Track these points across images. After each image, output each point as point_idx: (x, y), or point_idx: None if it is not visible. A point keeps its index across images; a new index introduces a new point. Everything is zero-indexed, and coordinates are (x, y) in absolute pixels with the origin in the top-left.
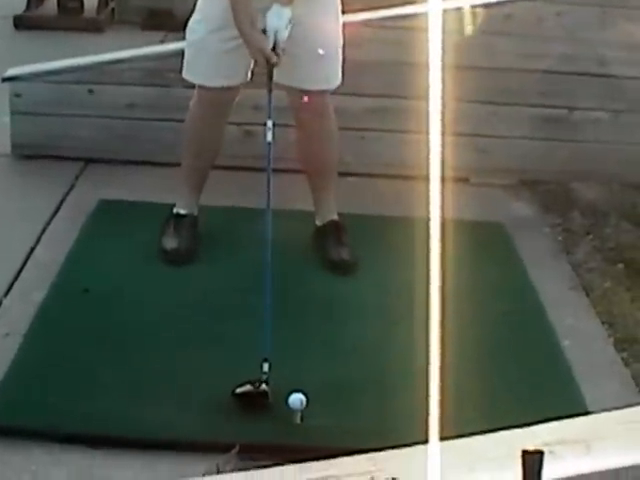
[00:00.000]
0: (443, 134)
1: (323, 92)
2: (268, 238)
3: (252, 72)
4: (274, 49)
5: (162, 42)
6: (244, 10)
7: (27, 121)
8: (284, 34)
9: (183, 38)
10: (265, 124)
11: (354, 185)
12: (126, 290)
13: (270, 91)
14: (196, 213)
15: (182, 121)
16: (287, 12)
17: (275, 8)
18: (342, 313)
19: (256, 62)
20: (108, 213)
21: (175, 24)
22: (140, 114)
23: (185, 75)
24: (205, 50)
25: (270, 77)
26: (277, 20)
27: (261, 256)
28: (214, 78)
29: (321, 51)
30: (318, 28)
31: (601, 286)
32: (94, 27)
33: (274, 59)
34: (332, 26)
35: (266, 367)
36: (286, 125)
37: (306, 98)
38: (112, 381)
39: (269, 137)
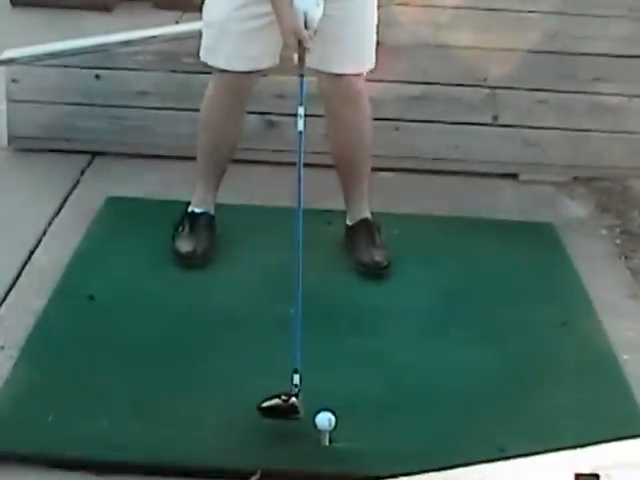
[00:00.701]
0: (488, 125)
1: (356, 76)
2: (300, 240)
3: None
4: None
5: (177, 22)
6: None
7: (25, 110)
8: (317, 13)
9: (201, 18)
10: (295, 113)
11: (388, 181)
12: (136, 297)
13: (302, 76)
14: (213, 212)
15: (199, 110)
16: None
17: None
18: (376, 322)
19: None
20: (116, 212)
21: (192, 2)
22: (153, 103)
23: (204, 58)
24: (227, 30)
25: (302, 60)
26: (306, 0)
27: (286, 259)
28: (238, 61)
29: (354, 30)
30: (351, 5)
31: None
32: (101, 4)
33: (309, 43)
34: (367, 2)
35: (297, 379)
36: (313, 115)
37: (338, 83)
38: (119, 400)
39: (300, 126)
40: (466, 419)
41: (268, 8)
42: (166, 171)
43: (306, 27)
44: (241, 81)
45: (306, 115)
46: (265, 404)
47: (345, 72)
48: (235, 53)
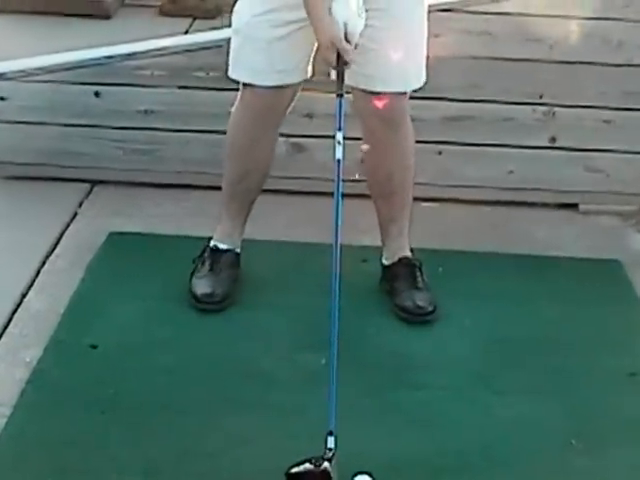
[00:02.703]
0: (545, 149)
1: (400, 95)
2: (336, 282)
3: (313, 68)
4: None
5: (187, 32)
6: None
7: (15, 132)
8: (358, 25)
9: (215, 27)
10: (327, 135)
11: (430, 212)
12: (145, 347)
13: (341, 95)
14: (239, 249)
15: (213, 132)
16: None
17: None
18: (421, 374)
19: (316, 55)
20: (120, 249)
21: (205, 9)
22: (160, 123)
23: (231, 73)
24: (252, 38)
25: (342, 78)
26: (345, 9)
27: (316, 303)
28: (263, 74)
29: (401, 42)
30: (396, 11)
31: None
32: (99, 11)
33: (351, 55)
34: (416, 12)
35: (331, 442)
36: (347, 138)
37: (378, 102)
38: (129, 465)
39: (339, 153)
40: None
41: (295, 15)
42: (175, 202)
43: (346, 39)
44: (269, 98)
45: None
46: (294, 470)
47: (389, 90)
48: (260, 65)
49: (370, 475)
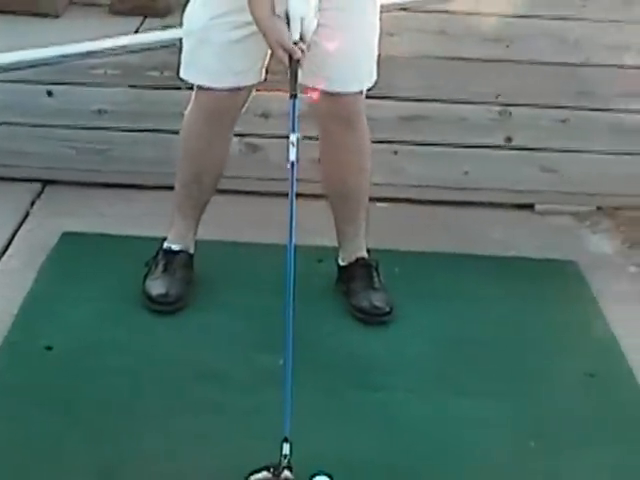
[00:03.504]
0: (500, 148)
1: (356, 95)
2: (290, 283)
3: (267, 70)
4: (298, 42)
5: (137, 31)
6: None
7: None
8: (312, 23)
9: (166, 26)
10: (283, 135)
11: (385, 213)
12: (100, 348)
13: (294, 96)
14: (192, 250)
15: (165, 132)
16: None
17: None
18: (377, 375)
19: (272, 57)
20: (73, 249)
21: (155, 8)
22: (112, 123)
23: (183, 74)
24: (207, 41)
25: (295, 78)
26: (303, 4)
27: (271, 304)
28: (219, 77)
29: (354, 41)
30: (352, 14)
31: None
32: (48, 10)
33: (299, 54)
34: (368, 11)
35: (287, 448)
36: (303, 137)
37: (336, 102)
38: (85, 467)
39: (292, 155)
40: None
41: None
42: (128, 202)
43: (301, 37)
44: (224, 100)
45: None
46: (252, 478)
47: (344, 91)
48: (216, 67)
49: (329, 476)
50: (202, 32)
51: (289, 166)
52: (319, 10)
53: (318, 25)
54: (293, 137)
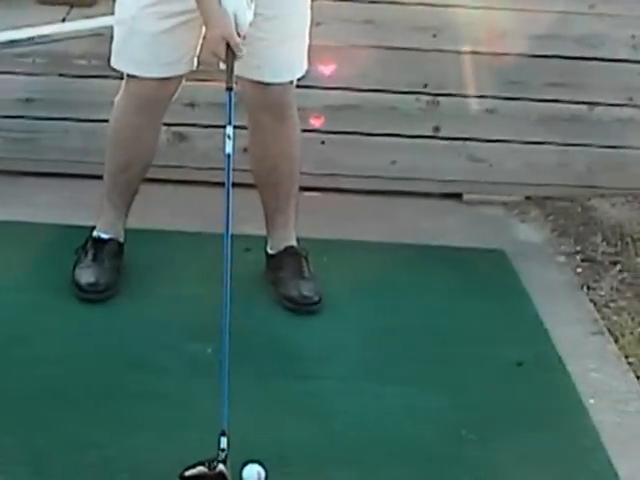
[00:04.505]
0: (428, 138)
1: (287, 85)
2: (228, 272)
3: (198, 60)
4: None
5: (64, 20)
6: None
7: None
8: (247, 16)
9: (92, 15)
10: (209, 125)
11: (314, 202)
12: (29, 338)
13: (231, 89)
14: (122, 238)
15: (94, 121)
16: None
17: None
18: (306, 364)
19: (201, 47)
20: (1, 238)
21: None
22: (40, 112)
23: (114, 63)
24: (137, 30)
25: (231, 70)
26: None
27: (201, 292)
28: (149, 67)
29: (285, 32)
30: (282, 3)
31: (633, 330)
32: None
33: (242, 51)
34: (300, 0)
35: (224, 442)
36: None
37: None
38: (15, 458)
39: (229, 148)
40: (414, 474)
41: (181, 7)
42: (56, 190)
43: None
44: (154, 89)
45: (222, 127)
46: (188, 473)
47: (275, 81)
48: (146, 58)
49: (260, 464)
50: (132, 21)
51: (226, 159)
52: (253, 3)
53: (255, 15)
54: (229, 130)
